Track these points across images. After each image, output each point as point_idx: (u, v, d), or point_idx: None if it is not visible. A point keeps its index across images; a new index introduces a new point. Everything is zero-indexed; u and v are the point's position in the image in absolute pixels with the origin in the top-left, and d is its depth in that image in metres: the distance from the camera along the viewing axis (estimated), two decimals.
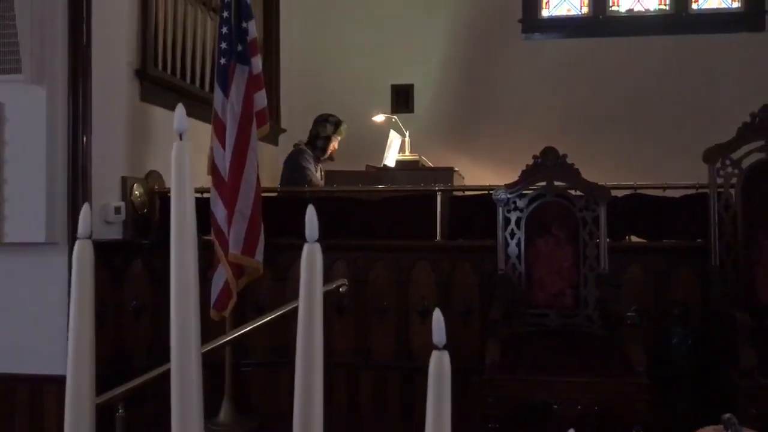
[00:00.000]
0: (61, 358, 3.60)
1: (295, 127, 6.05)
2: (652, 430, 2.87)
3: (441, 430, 0.49)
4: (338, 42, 6.60)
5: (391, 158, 5.11)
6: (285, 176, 5.02)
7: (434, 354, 0.50)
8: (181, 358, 0.48)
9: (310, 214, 0.49)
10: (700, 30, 6.19)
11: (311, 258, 0.51)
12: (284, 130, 6.14)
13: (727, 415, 1.88)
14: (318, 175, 5.05)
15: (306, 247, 0.52)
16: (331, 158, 5.20)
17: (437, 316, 0.49)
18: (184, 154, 0.49)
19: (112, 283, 3.70)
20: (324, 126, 5.11)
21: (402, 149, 5.32)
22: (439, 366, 0.49)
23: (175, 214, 0.49)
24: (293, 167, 4.95)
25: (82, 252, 0.53)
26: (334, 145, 5.14)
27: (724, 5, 6.32)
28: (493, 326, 3.15)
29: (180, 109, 0.53)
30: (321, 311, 0.50)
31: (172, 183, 0.50)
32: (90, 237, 0.57)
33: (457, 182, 4.84)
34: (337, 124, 5.11)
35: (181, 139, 0.50)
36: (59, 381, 3.72)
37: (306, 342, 0.47)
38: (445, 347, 0.49)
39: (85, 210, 0.54)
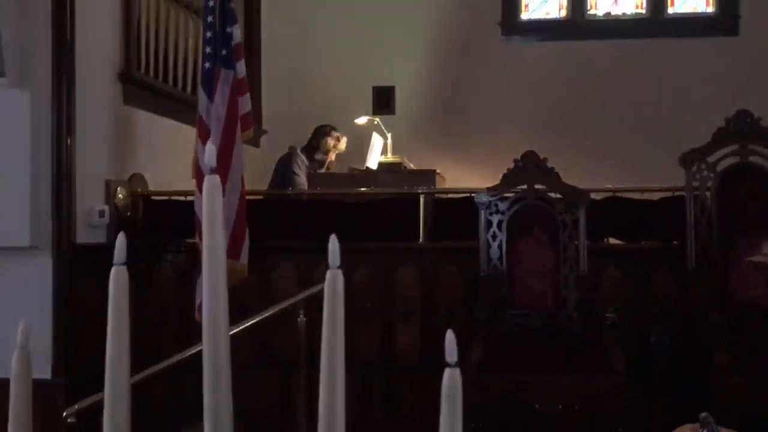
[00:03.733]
0: (44, 362, 3.61)
1: (277, 129, 6.07)
2: (632, 427, 2.94)
3: None
4: (320, 44, 6.62)
5: (373, 160, 5.15)
6: (276, 179, 5.04)
7: (447, 372, 0.55)
8: (213, 389, 0.52)
9: (333, 243, 0.53)
10: (676, 34, 6.30)
11: (334, 284, 0.55)
12: (265, 132, 6.15)
13: (704, 414, 1.94)
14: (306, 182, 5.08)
15: (329, 274, 0.56)
16: (328, 168, 5.24)
17: (450, 336, 0.54)
18: (215, 188, 0.53)
19: (96, 288, 3.70)
20: (326, 140, 5.15)
21: (384, 151, 5.36)
22: (452, 383, 0.53)
23: (207, 246, 0.52)
24: (284, 171, 4.98)
25: (118, 279, 0.56)
26: (332, 157, 5.19)
27: (699, 9, 6.43)
28: (476, 327, 3.21)
29: (210, 145, 0.57)
30: (342, 336, 0.54)
31: (203, 216, 0.54)
32: (125, 264, 0.60)
33: (438, 184, 4.89)
34: (339, 139, 5.16)
35: (212, 173, 0.54)
36: (43, 386, 3.71)
37: (329, 366, 0.51)
38: (457, 365, 0.53)
39: (120, 238, 0.57)
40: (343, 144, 5.16)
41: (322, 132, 5.17)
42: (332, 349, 0.52)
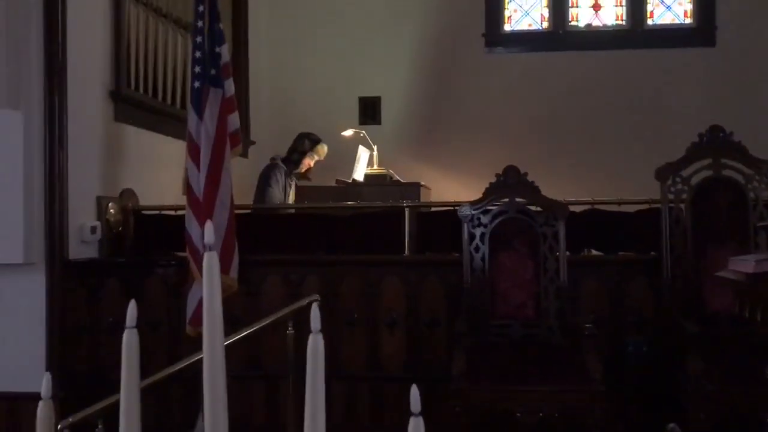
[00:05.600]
0: (37, 375, 3.67)
1: (265, 140, 6.17)
2: None
3: None
4: (307, 54, 6.72)
5: (359, 172, 5.25)
6: (257, 192, 5.15)
7: (412, 420, 0.65)
8: (212, 398, 0.61)
9: (315, 311, 0.63)
10: (655, 45, 6.45)
11: (315, 348, 0.65)
12: (253, 143, 6.24)
13: (671, 425, 2.05)
14: (290, 191, 5.17)
15: (311, 338, 0.66)
16: (307, 178, 5.32)
17: (414, 390, 0.63)
18: (213, 264, 0.62)
19: (88, 302, 3.78)
20: (302, 142, 5.26)
21: (370, 163, 5.46)
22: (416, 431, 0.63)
23: (207, 315, 0.62)
24: (261, 182, 5.10)
25: (130, 341, 0.66)
26: (309, 162, 5.27)
27: (677, 21, 6.59)
28: (458, 337, 3.31)
29: (209, 225, 0.67)
30: (323, 395, 0.64)
31: (204, 286, 0.63)
32: (135, 327, 0.70)
33: (423, 195, 5.00)
34: (316, 142, 5.26)
35: (210, 250, 0.63)
36: (36, 398, 3.78)
37: (312, 417, 0.61)
38: (420, 414, 0.63)
39: (131, 305, 0.67)
40: (320, 149, 5.26)
41: (300, 136, 5.30)
42: (314, 404, 0.61)
